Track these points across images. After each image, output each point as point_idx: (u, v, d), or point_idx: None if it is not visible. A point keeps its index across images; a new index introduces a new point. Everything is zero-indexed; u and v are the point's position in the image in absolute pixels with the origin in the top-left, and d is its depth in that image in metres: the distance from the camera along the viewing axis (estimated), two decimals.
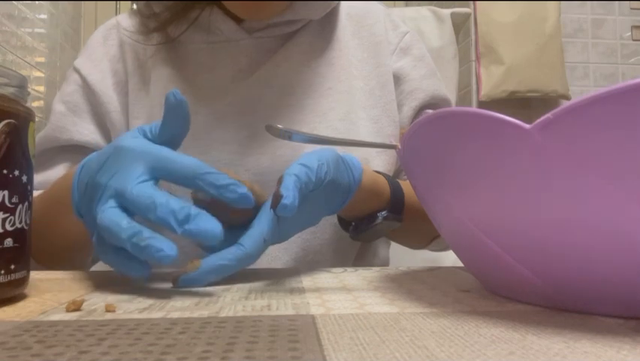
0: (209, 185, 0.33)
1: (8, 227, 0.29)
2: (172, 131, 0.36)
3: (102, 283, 0.37)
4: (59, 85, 1.71)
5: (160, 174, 0.34)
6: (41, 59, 1.58)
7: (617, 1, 1.86)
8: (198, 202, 0.36)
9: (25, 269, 0.31)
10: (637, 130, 0.20)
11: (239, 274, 0.41)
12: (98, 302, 0.30)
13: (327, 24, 0.64)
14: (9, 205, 0.29)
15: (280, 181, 0.35)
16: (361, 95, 0.62)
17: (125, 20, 0.65)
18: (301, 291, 0.33)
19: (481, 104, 1.71)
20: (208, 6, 0.59)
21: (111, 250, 0.33)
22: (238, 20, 0.60)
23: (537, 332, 0.23)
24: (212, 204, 0.34)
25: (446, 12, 1.06)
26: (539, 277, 0.27)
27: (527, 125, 0.22)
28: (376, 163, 0.60)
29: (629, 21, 1.88)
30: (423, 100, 0.65)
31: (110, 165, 0.34)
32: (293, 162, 0.37)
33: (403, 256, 0.79)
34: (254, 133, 0.57)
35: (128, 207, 0.32)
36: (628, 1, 1.87)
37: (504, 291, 0.31)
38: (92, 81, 0.62)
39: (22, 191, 0.30)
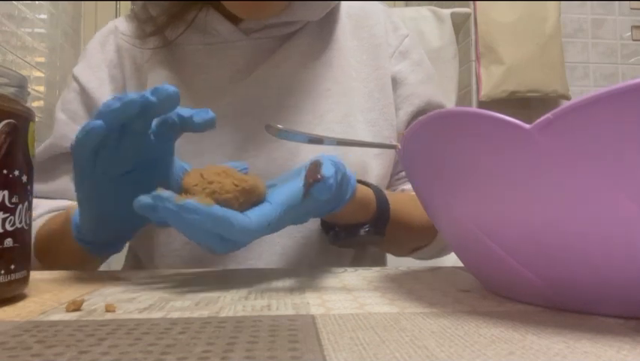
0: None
1: (8, 227, 0.29)
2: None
3: (102, 283, 0.37)
4: (59, 85, 1.71)
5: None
6: (41, 59, 1.58)
7: (617, 1, 1.86)
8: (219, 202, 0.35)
9: (25, 269, 0.31)
10: (637, 130, 0.20)
11: (239, 274, 0.41)
12: (98, 302, 0.30)
13: (326, 25, 0.64)
14: (9, 205, 0.29)
15: (317, 165, 0.35)
16: (359, 98, 0.62)
17: (122, 24, 0.65)
18: (301, 291, 0.33)
19: (481, 104, 1.71)
20: (204, 7, 0.59)
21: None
22: (235, 21, 0.60)
23: (537, 332, 0.23)
24: (225, 201, 0.34)
25: (446, 12, 1.06)
26: (539, 278, 0.27)
27: (527, 125, 0.22)
28: (373, 166, 0.60)
29: (629, 21, 1.88)
30: (418, 106, 0.65)
31: None
32: (322, 155, 0.38)
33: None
34: (250, 135, 0.57)
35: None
36: (628, 1, 1.87)
37: (504, 291, 0.31)
38: (90, 89, 0.62)
39: (22, 191, 0.30)
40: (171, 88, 0.34)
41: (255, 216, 0.34)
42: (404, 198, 0.60)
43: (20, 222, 0.30)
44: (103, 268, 0.56)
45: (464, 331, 0.23)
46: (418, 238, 0.59)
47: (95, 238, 0.42)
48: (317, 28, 0.63)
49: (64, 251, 0.48)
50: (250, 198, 0.35)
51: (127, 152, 0.37)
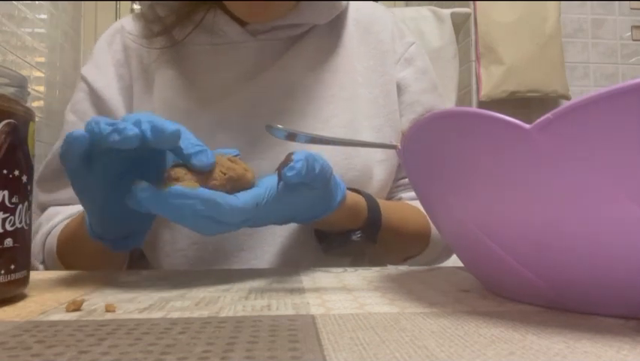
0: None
1: (8, 227, 0.29)
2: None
3: (102, 283, 0.37)
4: (59, 85, 1.71)
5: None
6: (41, 59, 1.58)
7: (617, 1, 1.86)
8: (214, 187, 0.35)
9: (25, 269, 0.31)
10: (637, 130, 0.20)
11: (239, 274, 0.41)
12: (98, 302, 0.30)
13: (334, 29, 0.64)
14: (9, 205, 0.29)
15: (290, 154, 0.37)
16: (365, 104, 0.62)
17: (129, 24, 0.65)
18: (301, 291, 0.33)
19: (481, 104, 1.71)
20: (212, 8, 0.59)
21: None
22: (243, 23, 0.60)
23: (537, 332, 0.23)
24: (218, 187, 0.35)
25: (446, 12, 1.06)
26: (539, 278, 0.27)
27: (527, 125, 0.22)
28: (377, 172, 0.60)
29: (629, 21, 1.88)
30: (420, 114, 0.65)
31: None
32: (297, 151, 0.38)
33: None
34: (255, 138, 0.57)
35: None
36: (628, 1, 1.87)
37: (504, 291, 0.31)
38: (98, 88, 0.62)
39: (22, 191, 0.30)
40: (171, 128, 0.33)
41: (242, 196, 0.35)
42: (397, 206, 0.60)
43: (20, 222, 0.30)
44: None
45: (464, 331, 0.23)
46: (410, 246, 0.60)
47: (109, 235, 0.42)
48: (324, 32, 0.63)
49: (86, 252, 0.49)
50: (238, 186, 0.36)
51: (119, 156, 0.37)
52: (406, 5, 2.18)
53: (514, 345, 0.21)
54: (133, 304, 0.29)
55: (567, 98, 1.73)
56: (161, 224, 0.57)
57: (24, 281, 0.31)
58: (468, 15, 1.08)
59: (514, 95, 1.70)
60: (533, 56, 1.67)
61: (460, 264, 0.40)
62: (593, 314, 0.26)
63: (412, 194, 0.65)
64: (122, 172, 0.38)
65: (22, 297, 0.32)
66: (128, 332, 0.23)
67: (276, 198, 0.37)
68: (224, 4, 0.58)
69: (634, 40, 1.87)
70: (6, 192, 0.29)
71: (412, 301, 0.30)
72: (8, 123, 0.29)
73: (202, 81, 0.60)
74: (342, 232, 0.51)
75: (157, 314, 0.27)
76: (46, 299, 0.31)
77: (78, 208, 0.59)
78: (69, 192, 0.60)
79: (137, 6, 0.66)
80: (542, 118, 0.22)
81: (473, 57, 1.76)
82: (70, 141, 0.33)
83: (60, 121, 0.65)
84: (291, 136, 0.37)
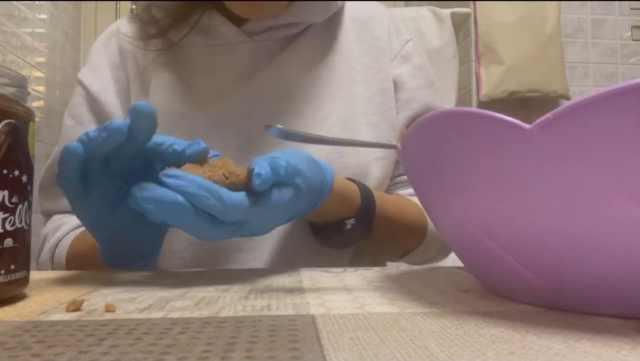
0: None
1: (8, 227, 0.29)
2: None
3: (102, 283, 0.37)
4: (59, 85, 1.71)
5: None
6: (41, 59, 1.58)
7: (617, 1, 1.86)
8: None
9: (25, 269, 0.31)
10: (637, 130, 0.20)
11: (239, 274, 0.41)
12: (98, 302, 0.30)
13: (330, 27, 0.64)
14: (9, 205, 0.29)
15: (249, 166, 0.36)
16: (362, 101, 0.62)
17: (124, 26, 0.65)
18: (301, 291, 0.33)
19: (481, 104, 1.71)
20: (208, 10, 0.59)
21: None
22: (238, 24, 0.60)
23: (537, 332, 0.23)
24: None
25: (446, 12, 1.06)
26: (539, 278, 0.27)
27: (527, 125, 0.22)
28: (374, 170, 0.60)
29: (629, 21, 1.88)
30: (417, 110, 0.65)
31: None
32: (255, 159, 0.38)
33: None
34: (253, 138, 0.57)
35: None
36: (628, 1, 1.87)
37: (504, 291, 0.31)
38: (95, 91, 0.62)
39: (22, 191, 0.30)
40: (146, 106, 0.34)
41: (240, 193, 0.35)
42: (392, 197, 0.60)
43: (20, 222, 0.30)
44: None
45: (464, 331, 0.23)
46: (407, 238, 0.59)
47: (120, 261, 0.42)
48: (321, 30, 0.63)
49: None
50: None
51: (115, 172, 0.37)
52: (406, 5, 2.18)
53: (514, 345, 0.21)
54: (133, 304, 0.29)
55: (567, 98, 1.73)
56: None
57: (24, 281, 0.31)
58: (468, 15, 1.08)
59: (514, 95, 1.70)
60: (533, 56, 1.67)
61: (460, 264, 0.40)
62: (593, 314, 0.26)
63: (410, 191, 0.64)
64: (120, 192, 0.38)
65: (22, 297, 0.32)
66: (128, 332, 0.23)
67: (266, 203, 0.37)
68: (219, 6, 0.58)
69: (634, 40, 1.87)
70: (6, 192, 0.29)
71: (412, 301, 0.30)
72: (8, 123, 0.29)
73: (198, 83, 0.60)
74: (335, 222, 0.50)
75: (157, 314, 0.27)
76: (46, 299, 0.31)
77: None
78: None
79: (136, 12, 0.66)
80: (542, 118, 0.22)
81: (473, 57, 1.76)
82: (65, 157, 0.34)
83: (60, 121, 0.66)
84: (291, 136, 0.37)
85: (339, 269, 0.44)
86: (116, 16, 2.03)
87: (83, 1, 2.00)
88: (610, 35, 1.87)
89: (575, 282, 0.25)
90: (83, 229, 0.58)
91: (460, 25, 1.07)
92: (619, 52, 1.87)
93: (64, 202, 0.60)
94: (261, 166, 0.36)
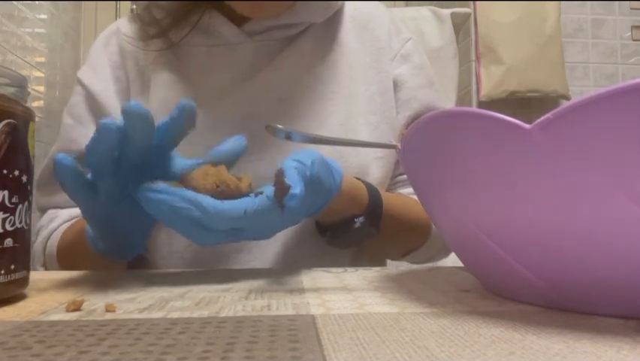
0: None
1: (8, 227, 0.29)
2: (176, 131, 0.37)
3: (102, 283, 0.37)
4: (59, 85, 1.71)
5: None
6: (41, 59, 1.58)
7: (617, 1, 1.86)
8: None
9: (25, 269, 0.31)
10: (637, 130, 0.20)
11: (239, 274, 0.41)
12: (98, 302, 0.30)
13: (330, 27, 0.64)
14: (9, 205, 0.29)
15: (280, 174, 0.36)
16: (362, 101, 0.61)
17: (125, 26, 0.65)
18: (301, 291, 0.33)
19: (481, 104, 1.71)
20: (208, 10, 0.59)
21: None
22: (239, 24, 0.60)
23: (537, 332, 0.23)
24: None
25: (446, 12, 1.06)
26: (539, 278, 0.27)
27: (527, 125, 0.22)
28: (374, 170, 0.60)
29: (629, 21, 1.88)
30: (417, 110, 0.64)
31: None
32: (286, 158, 0.38)
33: None
34: (252, 138, 0.57)
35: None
36: (628, 1, 1.87)
37: (504, 291, 0.31)
38: (94, 91, 0.62)
39: (22, 191, 0.30)
40: (139, 108, 0.34)
41: (229, 202, 0.35)
42: (397, 196, 0.60)
43: (20, 222, 0.30)
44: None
45: (464, 331, 0.23)
46: (412, 236, 0.59)
47: (110, 248, 0.43)
48: (320, 30, 0.63)
49: (87, 259, 0.49)
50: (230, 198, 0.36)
51: (124, 179, 0.37)
52: (406, 5, 2.18)
53: (514, 345, 0.21)
54: (133, 304, 0.29)
55: (567, 98, 1.73)
56: (159, 226, 0.57)
57: (24, 281, 0.31)
58: (468, 15, 1.08)
59: (514, 95, 1.70)
60: (533, 56, 1.67)
61: (460, 264, 0.40)
62: (593, 314, 0.26)
63: (410, 190, 0.64)
64: (124, 191, 0.38)
65: (22, 297, 0.32)
66: (128, 332, 0.23)
67: (273, 211, 0.36)
68: (219, 6, 0.58)
69: (634, 40, 1.87)
70: (6, 192, 0.29)
71: (412, 301, 0.30)
72: (8, 123, 0.29)
73: (198, 83, 0.60)
74: (344, 220, 0.50)
75: (157, 314, 0.27)
76: (46, 299, 0.31)
77: (76, 211, 0.59)
78: (67, 195, 0.60)
79: (136, 12, 0.66)
80: (542, 118, 0.22)
81: (473, 57, 1.76)
82: (60, 173, 0.35)
83: (60, 121, 0.66)
84: (291, 136, 0.37)
85: (340, 269, 0.44)
86: (116, 16, 2.03)
87: (82, 1, 2.00)
88: (610, 35, 1.87)
89: (575, 282, 0.25)
90: (75, 220, 0.58)
91: (460, 25, 1.07)
92: (619, 52, 1.87)
93: (60, 198, 0.61)
94: (296, 184, 0.36)
